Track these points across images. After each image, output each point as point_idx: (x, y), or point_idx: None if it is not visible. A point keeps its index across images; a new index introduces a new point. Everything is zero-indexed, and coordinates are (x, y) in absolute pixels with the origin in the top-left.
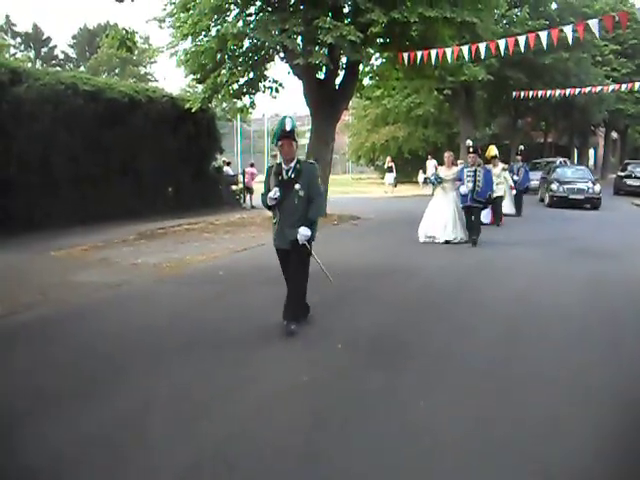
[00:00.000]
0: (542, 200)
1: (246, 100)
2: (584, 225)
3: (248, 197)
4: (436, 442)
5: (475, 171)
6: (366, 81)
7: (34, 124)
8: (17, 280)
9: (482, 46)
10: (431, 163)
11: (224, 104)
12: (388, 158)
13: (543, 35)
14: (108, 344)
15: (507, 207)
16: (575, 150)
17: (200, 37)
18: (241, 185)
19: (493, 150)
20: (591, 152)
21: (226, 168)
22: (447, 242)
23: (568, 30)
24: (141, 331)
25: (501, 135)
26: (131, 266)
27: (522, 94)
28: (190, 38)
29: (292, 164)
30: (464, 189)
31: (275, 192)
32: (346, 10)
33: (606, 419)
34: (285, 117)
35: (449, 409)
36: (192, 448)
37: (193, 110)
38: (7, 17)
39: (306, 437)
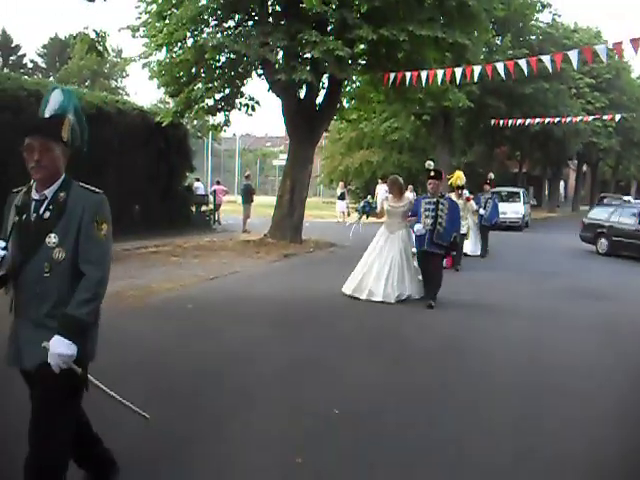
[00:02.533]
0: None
1: (220, 117)
2: (562, 262)
3: (217, 217)
4: None
5: (437, 203)
6: (345, 102)
7: None
8: None
9: (477, 68)
10: (382, 188)
11: (195, 121)
12: (340, 184)
13: (523, 63)
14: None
15: (470, 246)
16: (546, 181)
17: (176, 48)
18: (211, 205)
19: (461, 178)
20: (561, 184)
21: (197, 184)
22: (383, 302)
23: (547, 60)
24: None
25: (477, 163)
26: (119, 287)
27: (501, 122)
28: (165, 49)
29: (50, 190)
30: (420, 228)
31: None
32: (331, 26)
33: None
34: (54, 88)
35: None
36: None
37: (164, 124)
38: None
39: None
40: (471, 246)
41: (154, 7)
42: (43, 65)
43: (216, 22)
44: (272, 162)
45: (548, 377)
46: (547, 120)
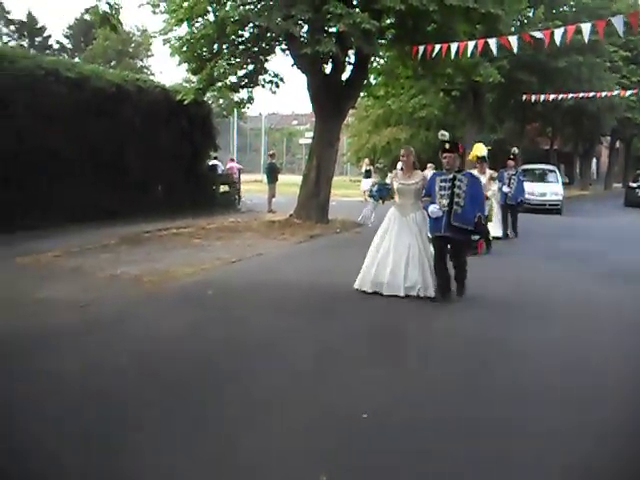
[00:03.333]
0: None
1: (244, 94)
2: (595, 242)
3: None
4: None
5: (453, 179)
6: (373, 79)
7: (7, 113)
8: None
9: (513, 39)
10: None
11: (220, 100)
12: (366, 161)
13: (560, 32)
14: (55, 394)
15: (494, 228)
16: (578, 159)
17: (197, 24)
18: (236, 185)
19: (481, 149)
20: (593, 161)
21: (214, 162)
22: (407, 295)
23: (586, 28)
24: (96, 376)
25: (507, 140)
26: (107, 278)
27: (533, 98)
28: (186, 24)
29: None
30: (435, 209)
31: None
32: None
33: None
34: None
35: None
36: None
37: (186, 102)
38: (0, 5)
39: None
40: (494, 228)
41: None
42: (69, 46)
43: None
44: (299, 141)
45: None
46: (581, 95)
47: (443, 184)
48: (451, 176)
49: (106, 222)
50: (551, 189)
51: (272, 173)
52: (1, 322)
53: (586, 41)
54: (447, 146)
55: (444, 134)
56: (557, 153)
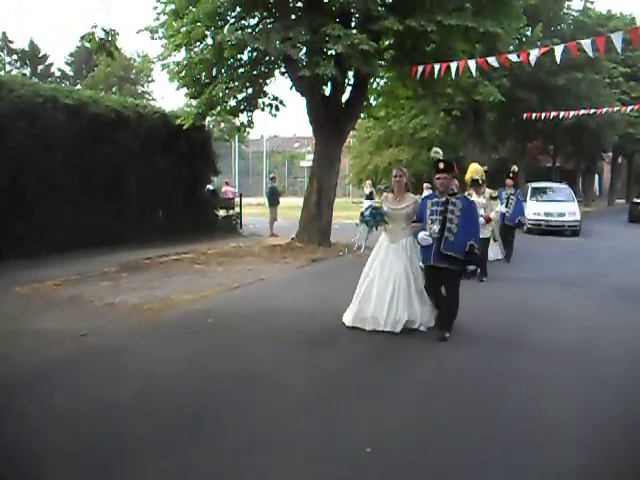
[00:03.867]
0: None
1: (243, 118)
2: (600, 261)
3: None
4: None
5: (446, 203)
6: (373, 100)
7: (6, 140)
8: None
9: (512, 56)
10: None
11: (222, 124)
12: (368, 182)
13: (560, 49)
14: (48, 429)
15: (493, 250)
16: (580, 175)
17: (195, 48)
18: (237, 209)
19: (476, 171)
20: (596, 178)
21: (225, 188)
22: (392, 332)
23: (587, 44)
24: (93, 409)
25: (509, 159)
26: (106, 307)
27: (533, 116)
28: (184, 49)
29: None
30: (424, 236)
31: None
32: (355, 20)
33: None
34: None
35: None
36: None
37: (185, 127)
38: (3, 34)
39: None
40: (493, 251)
41: (172, 6)
42: (71, 73)
43: (235, 19)
44: (300, 163)
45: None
46: (581, 112)
47: (435, 208)
48: (444, 199)
49: (106, 248)
50: (569, 209)
51: (273, 196)
52: (3, 354)
53: (591, 56)
54: (441, 166)
55: (437, 151)
56: (559, 170)
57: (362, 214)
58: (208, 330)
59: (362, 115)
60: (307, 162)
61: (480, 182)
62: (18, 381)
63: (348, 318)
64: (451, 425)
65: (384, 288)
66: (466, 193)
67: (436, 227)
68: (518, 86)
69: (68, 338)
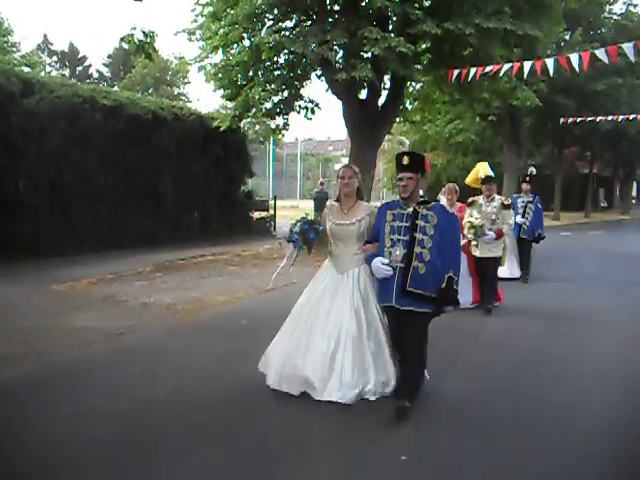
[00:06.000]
0: None
1: (279, 120)
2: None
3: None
4: None
5: (414, 216)
6: (408, 103)
7: (45, 140)
8: (2, 321)
9: (549, 61)
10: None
11: (257, 126)
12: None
13: (601, 53)
14: (82, 427)
15: (506, 268)
16: (618, 182)
17: (232, 50)
18: (271, 211)
19: (485, 169)
20: (634, 185)
21: None
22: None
23: (628, 48)
24: (125, 409)
25: (545, 165)
26: (140, 307)
27: (570, 121)
28: (221, 51)
29: None
30: (381, 264)
31: None
32: (392, 23)
33: None
34: None
35: None
36: None
37: (222, 129)
38: (44, 36)
39: None
40: (507, 268)
41: (210, 9)
42: (108, 74)
43: (272, 22)
44: (334, 166)
45: None
46: (620, 118)
47: (397, 224)
48: (410, 210)
49: (141, 248)
50: None
51: (320, 202)
52: (39, 348)
53: (632, 61)
54: (405, 161)
55: (403, 141)
56: (596, 177)
57: (290, 230)
58: (242, 331)
59: (397, 119)
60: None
61: (493, 181)
62: (54, 378)
63: (271, 377)
64: None
65: (323, 340)
66: (469, 200)
67: (399, 252)
68: (556, 91)
69: (103, 336)
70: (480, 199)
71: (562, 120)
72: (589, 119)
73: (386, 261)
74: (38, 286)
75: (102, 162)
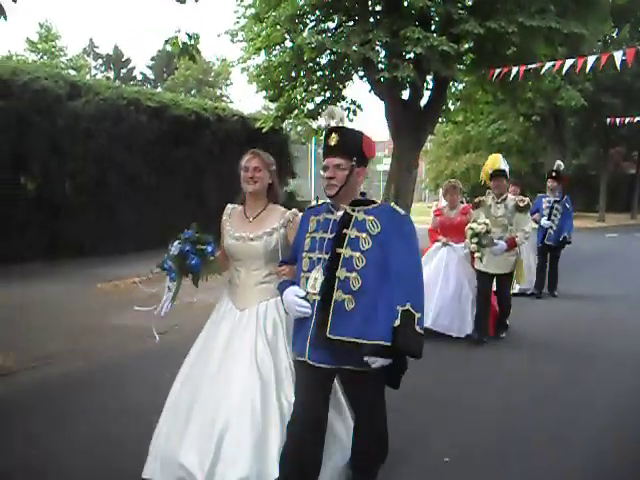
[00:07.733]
0: None
1: (321, 121)
2: None
3: None
4: None
5: (344, 222)
6: (451, 104)
7: (91, 142)
8: (49, 319)
9: (591, 59)
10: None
11: (299, 127)
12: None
13: None
14: (128, 423)
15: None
16: None
17: (275, 51)
18: None
19: (498, 160)
20: None
21: None
22: None
23: None
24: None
25: (589, 165)
26: (184, 306)
27: (617, 121)
28: (263, 52)
29: None
30: (297, 298)
31: None
32: (435, 23)
33: None
34: None
35: None
36: None
37: (264, 130)
38: (90, 40)
39: None
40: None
41: (252, 10)
42: (151, 76)
43: (314, 22)
44: (376, 167)
45: None
46: None
47: (319, 235)
48: (340, 214)
49: None
50: None
51: None
52: (84, 346)
53: None
54: (332, 142)
55: (333, 112)
56: None
57: (168, 254)
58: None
59: (440, 119)
60: (384, 166)
61: (504, 177)
62: (100, 375)
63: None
64: None
65: (214, 413)
66: (476, 200)
67: (318, 277)
68: (602, 90)
69: (147, 335)
70: (489, 199)
71: (609, 121)
72: (636, 119)
73: (302, 293)
74: (83, 285)
75: (146, 163)
